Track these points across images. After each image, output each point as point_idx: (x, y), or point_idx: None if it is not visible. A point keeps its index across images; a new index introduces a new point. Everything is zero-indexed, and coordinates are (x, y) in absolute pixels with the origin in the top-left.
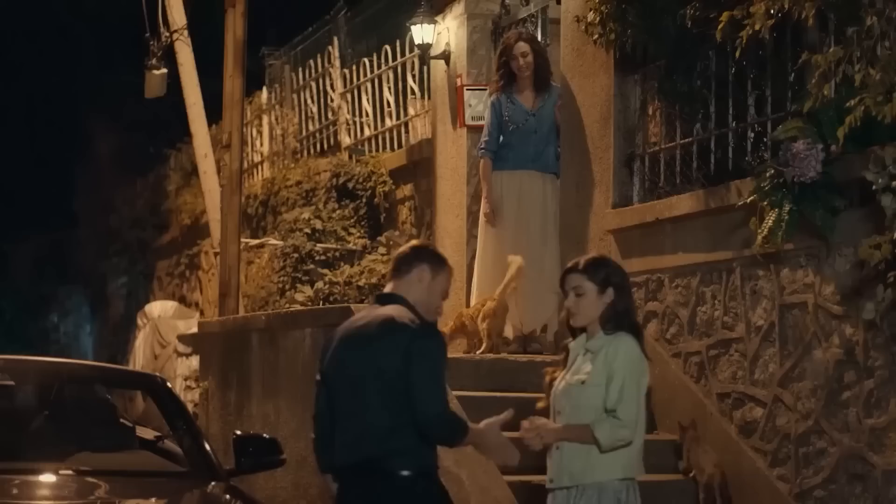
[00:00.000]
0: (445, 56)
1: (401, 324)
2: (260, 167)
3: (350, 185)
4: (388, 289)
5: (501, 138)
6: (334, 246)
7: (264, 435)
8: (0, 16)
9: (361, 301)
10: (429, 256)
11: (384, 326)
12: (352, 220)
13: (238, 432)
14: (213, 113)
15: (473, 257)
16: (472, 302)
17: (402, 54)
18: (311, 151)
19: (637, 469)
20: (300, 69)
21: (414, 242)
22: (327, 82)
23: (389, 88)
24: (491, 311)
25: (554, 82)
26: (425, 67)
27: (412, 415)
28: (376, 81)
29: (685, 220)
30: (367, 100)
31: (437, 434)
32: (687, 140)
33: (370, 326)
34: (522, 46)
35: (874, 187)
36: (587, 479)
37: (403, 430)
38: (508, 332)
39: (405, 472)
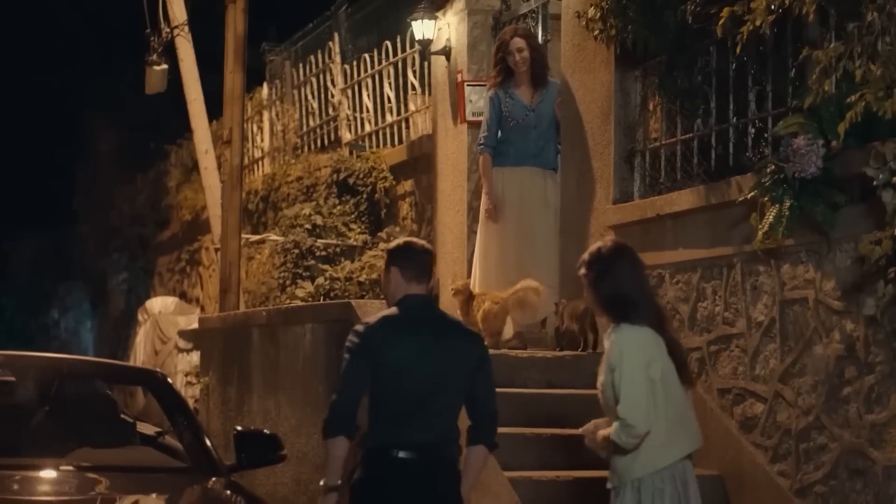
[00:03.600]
0: (446, 52)
1: (470, 330)
2: (260, 163)
3: (351, 180)
4: (421, 290)
5: (500, 134)
6: (335, 242)
7: (265, 431)
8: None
9: (362, 297)
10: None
11: (461, 330)
12: (352, 216)
13: (239, 428)
14: (214, 109)
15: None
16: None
17: (403, 50)
18: (312, 147)
19: (668, 454)
20: (301, 65)
21: (426, 244)
22: (328, 78)
23: (390, 84)
24: (491, 314)
25: (552, 78)
26: (426, 63)
27: (478, 412)
28: (377, 77)
29: (686, 215)
30: (368, 95)
31: (493, 429)
32: (687, 136)
33: (449, 327)
34: (518, 42)
35: (875, 183)
36: (628, 476)
37: (456, 424)
38: (508, 329)
39: (456, 460)
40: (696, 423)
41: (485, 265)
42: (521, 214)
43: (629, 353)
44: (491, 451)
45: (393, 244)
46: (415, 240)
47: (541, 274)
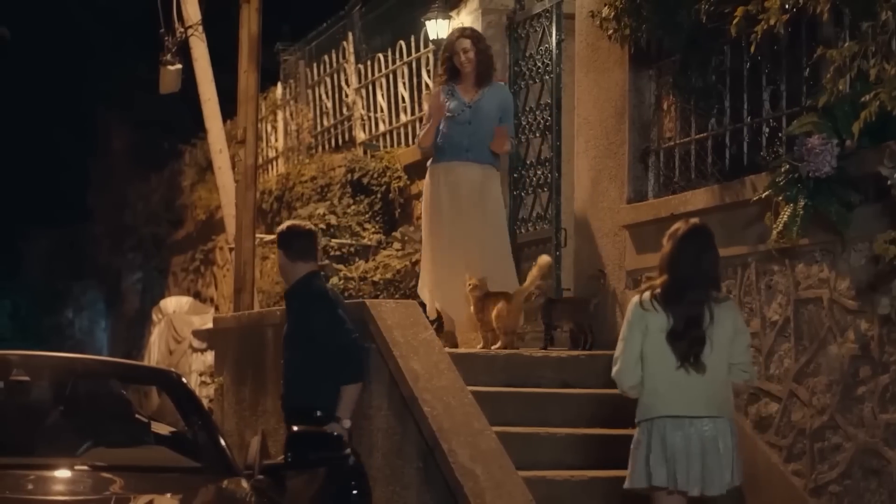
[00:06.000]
0: None
1: None
2: (275, 162)
3: (365, 180)
4: (310, 267)
5: (443, 129)
6: (349, 241)
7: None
8: (14, 12)
9: (376, 296)
10: None
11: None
12: (367, 216)
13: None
14: (228, 108)
15: None
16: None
17: (417, 50)
18: (326, 147)
19: (645, 411)
20: (315, 64)
21: (307, 226)
22: (342, 78)
23: (404, 84)
24: (504, 312)
25: (499, 80)
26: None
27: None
28: (391, 77)
29: (700, 215)
30: (382, 95)
31: None
32: (702, 135)
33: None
34: (464, 42)
35: (889, 182)
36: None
37: None
38: None
39: None
40: (711, 393)
41: (424, 260)
42: (456, 209)
43: (628, 316)
44: None
45: (278, 229)
46: (297, 223)
47: (479, 267)
